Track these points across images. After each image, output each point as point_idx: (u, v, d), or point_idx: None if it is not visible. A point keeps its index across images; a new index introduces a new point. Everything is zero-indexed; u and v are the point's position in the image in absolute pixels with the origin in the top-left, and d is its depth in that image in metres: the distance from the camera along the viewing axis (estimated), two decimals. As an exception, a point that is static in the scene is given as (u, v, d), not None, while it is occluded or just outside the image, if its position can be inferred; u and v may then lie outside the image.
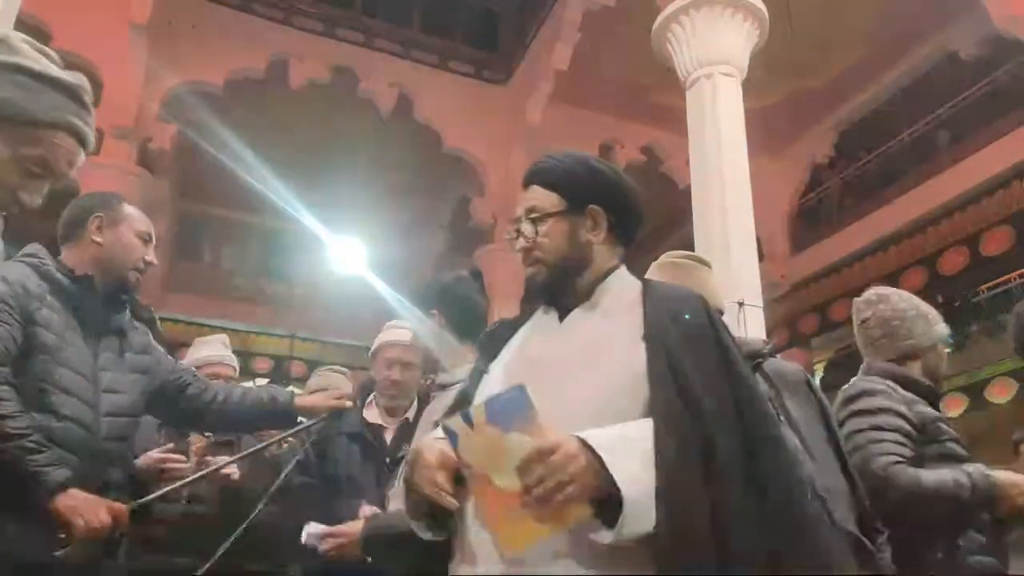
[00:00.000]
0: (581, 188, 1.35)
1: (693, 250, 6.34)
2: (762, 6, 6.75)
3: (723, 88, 6.41)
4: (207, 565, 2.09)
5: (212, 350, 3.24)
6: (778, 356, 2.15)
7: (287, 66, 10.13)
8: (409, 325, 2.34)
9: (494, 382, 1.29)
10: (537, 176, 1.38)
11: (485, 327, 1.99)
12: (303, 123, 11.37)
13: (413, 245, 14.44)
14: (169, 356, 2.23)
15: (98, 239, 1.93)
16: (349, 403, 2.26)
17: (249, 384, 2.77)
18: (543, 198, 1.34)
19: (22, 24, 6.00)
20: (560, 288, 1.33)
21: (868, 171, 11.57)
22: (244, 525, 2.12)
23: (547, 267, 1.32)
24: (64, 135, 1.30)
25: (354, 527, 2.17)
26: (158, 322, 2.19)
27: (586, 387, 1.18)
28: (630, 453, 1.05)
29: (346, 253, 10.03)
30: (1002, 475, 1.92)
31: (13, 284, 1.73)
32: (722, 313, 1.79)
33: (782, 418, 1.84)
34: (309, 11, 10.52)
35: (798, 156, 12.09)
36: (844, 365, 12.14)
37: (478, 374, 1.38)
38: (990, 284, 9.60)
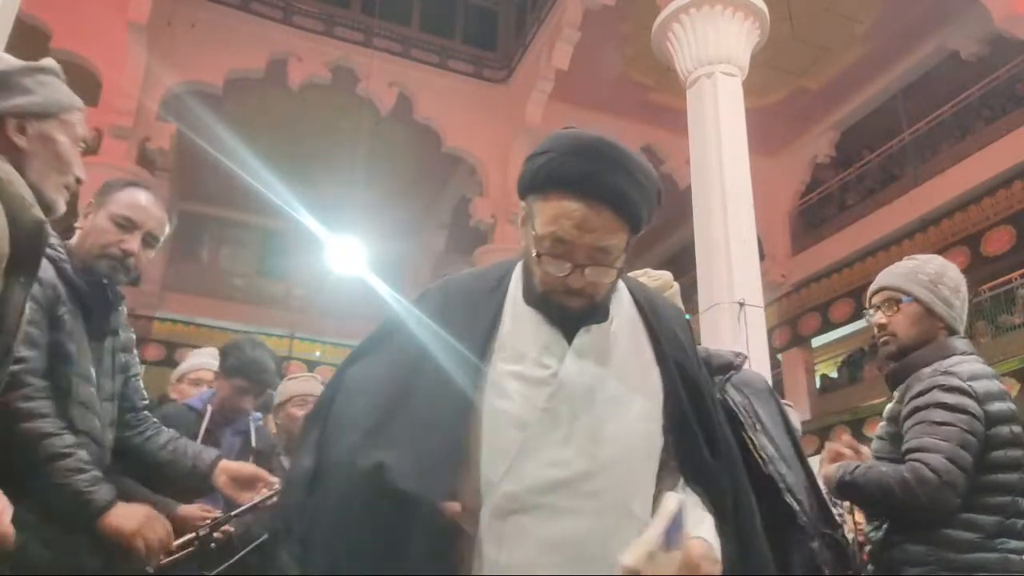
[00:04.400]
0: (648, 219, 1.15)
1: (693, 250, 6.36)
2: (762, 4, 6.72)
3: (724, 87, 6.38)
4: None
5: (202, 359, 3.22)
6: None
7: (287, 66, 10.12)
8: None
9: (515, 398, 1.12)
10: (616, 203, 1.08)
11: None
12: (302, 123, 11.37)
13: (413, 245, 14.44)
14: (138, 366, 2.01)
15: (80, 225, 1.76)
16: (269, 492, 1.92)
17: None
18: (618, 237, 1.10)
19: (22, 24, 5.98)
20: (597, 312, 1.18)
21: (869, 171, 11.57)
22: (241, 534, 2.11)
23: (595, 301, 1.15)
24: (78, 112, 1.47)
25: None
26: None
27: (631, 425, 1.16)
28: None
29: (345, 253, 9.99)
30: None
31: (46, 286, 1.59)
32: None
33: (758, 425, 1.94)
34: (309, 10, 10.52)
35: (798, 156, 12.08)
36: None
37: (463, 361, 1.12)
38: (991, 284, 9.58)
